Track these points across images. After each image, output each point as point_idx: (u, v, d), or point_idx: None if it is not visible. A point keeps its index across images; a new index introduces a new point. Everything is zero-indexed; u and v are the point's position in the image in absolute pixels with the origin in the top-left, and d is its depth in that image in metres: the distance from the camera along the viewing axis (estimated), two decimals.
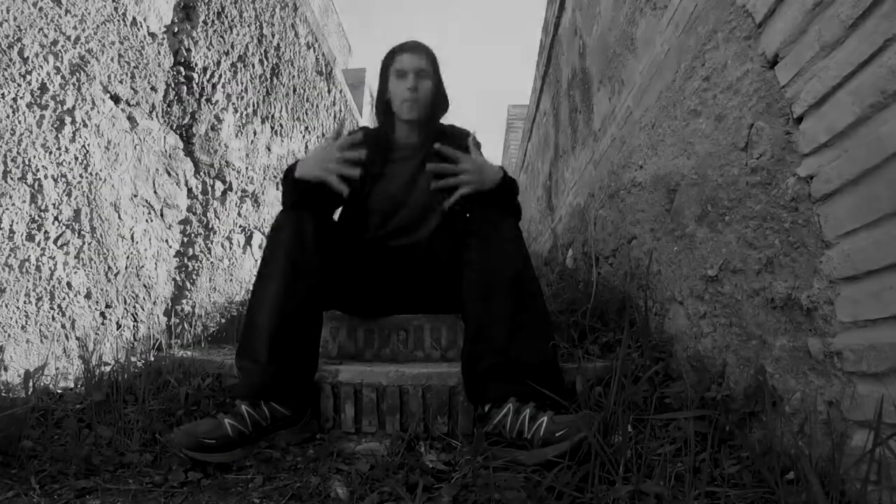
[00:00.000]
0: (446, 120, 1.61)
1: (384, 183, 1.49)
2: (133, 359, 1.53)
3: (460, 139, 1.53)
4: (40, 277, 1.34)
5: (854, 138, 0.68)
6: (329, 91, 3.65)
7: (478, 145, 1.47)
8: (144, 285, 1.74)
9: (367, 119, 6.55)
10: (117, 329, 1.62)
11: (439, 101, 1.50)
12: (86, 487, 0.92)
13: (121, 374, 1.36)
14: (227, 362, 1.41)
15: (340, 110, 3.92)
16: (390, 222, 1.47)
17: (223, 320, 2.14)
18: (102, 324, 1.56)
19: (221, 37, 2.12)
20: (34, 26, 1.28)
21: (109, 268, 1.58)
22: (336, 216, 1.47)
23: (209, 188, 2.10)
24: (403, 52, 1.44)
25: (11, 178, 1.24)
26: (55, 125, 1.36)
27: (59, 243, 1.39)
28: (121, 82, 1.59)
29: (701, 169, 1.10)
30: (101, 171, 1.53)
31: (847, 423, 0.71)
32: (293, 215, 1.26)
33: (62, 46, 1.36)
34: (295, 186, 1.27)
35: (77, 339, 1.46)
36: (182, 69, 1.89)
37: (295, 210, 1.27)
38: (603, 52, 1.92)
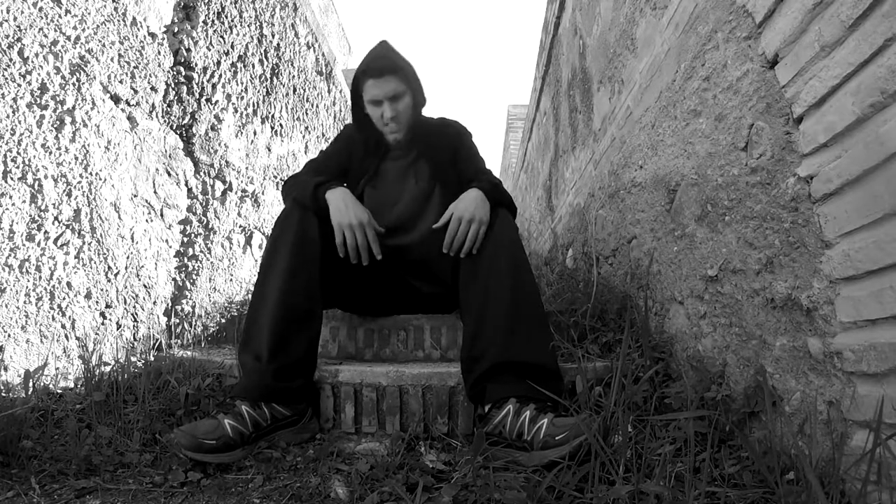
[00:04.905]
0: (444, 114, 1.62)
1: (378, 182, 1.50)
2: (133, 359, 1.53)
3: (450, 137, 1.55)
4: (40, 277, 1.34)
5: (854, 138, 0.68)
6: (329, 91, 3.65)
7: (469, 135, 1.54)
8: (144, 285, 1.74)
9: None
10: (117, 329, 1.62)
11: (419, 102, 1.49)
12: (86, 487, 0.92)
13: (121, 374, 1.36)
14: (227, 362, 1.41)
15: (340, 110, 3.92)
16: (385, 221, 1.48)
17: (223, 320, 2.14)
18: (102, 324, 1.56)
19: (221, 37, 2.12)
20: (34, 26, 1.28)
21: (109, 268, 1.58)
22: None
23: (209, 188, 2.10)
24: (369, 78, 1.38)
25: (11, 178, 1.24)
26: (55, 125, 1.36)
27: (59, 243, 1.39)
28: (121, 82, 1.59)
29: (701, 169, 1.10)
30: (101, 171, 1.53)
31: (847, 423, 0.71)
32: (296, 213, 1.26)
33: (62, 46, 1.36)
34: (314, 200, 1.27)
35: (77, 339, 1.46)
36: (182, 69, 1.89)
37: (298, 208, 1.27)
38: (603, 51, 1.92)
